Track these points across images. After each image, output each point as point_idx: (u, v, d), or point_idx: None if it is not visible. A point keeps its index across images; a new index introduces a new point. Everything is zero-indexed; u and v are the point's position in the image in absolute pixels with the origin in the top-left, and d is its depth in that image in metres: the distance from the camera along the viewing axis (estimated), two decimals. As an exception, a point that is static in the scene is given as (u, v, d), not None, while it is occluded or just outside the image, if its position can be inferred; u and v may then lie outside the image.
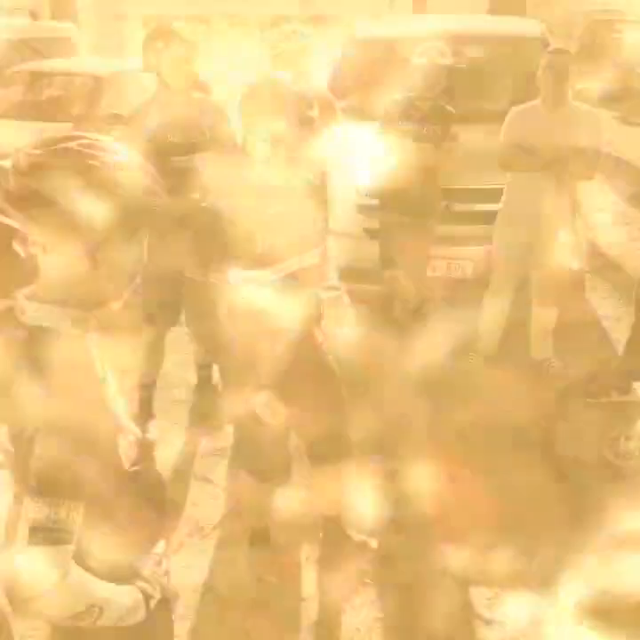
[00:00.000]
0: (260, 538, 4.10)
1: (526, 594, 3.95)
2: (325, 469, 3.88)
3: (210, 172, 4.75)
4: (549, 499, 4.64)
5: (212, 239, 3.16)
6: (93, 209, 1.78)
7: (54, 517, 1.73)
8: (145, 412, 5.34)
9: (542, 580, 4.01)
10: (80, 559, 1.82)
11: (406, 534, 4.33)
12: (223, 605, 3.86)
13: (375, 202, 6.25)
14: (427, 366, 6.06)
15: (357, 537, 4.19)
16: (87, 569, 1.83)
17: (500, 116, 5.89)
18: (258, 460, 3.68)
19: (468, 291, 6.42)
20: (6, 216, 1.80)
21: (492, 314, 6.08)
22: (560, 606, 3.83)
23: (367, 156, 5.97)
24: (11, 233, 1.85)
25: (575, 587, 3.94)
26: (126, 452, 2.07)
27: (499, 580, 4.04)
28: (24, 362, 1.82)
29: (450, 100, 6.04)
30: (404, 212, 5.70)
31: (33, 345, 1.83)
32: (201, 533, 4.36)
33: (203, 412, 5.56)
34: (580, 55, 19.59)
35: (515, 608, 3.86)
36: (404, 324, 6.44)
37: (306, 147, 3.13)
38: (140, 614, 1.94)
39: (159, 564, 2.14)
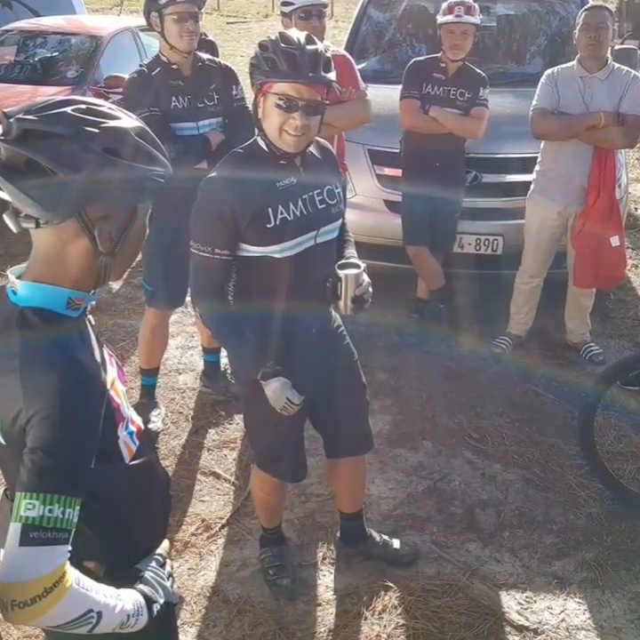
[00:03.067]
0: (273, 537, 4.10)
1: (561, 599, 3.94)
2: (344, 463, 3.87)
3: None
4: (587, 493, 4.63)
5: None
6: (91, 180, 1.77)
7: (49, 516, 1.72)
8: (147, 401, 5.36)
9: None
10: (77, 561, 1.81)
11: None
12: (232, 611, 3.86)
13: (397, 172, 6.22)
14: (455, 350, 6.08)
15: (377, 536, 4.18)
16: (85, 571, 1.83)
17: (533, 79, 5.84)
18: (270, 453, 3.67)
19: (498, 269, 6.38)
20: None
21: (524, 294, 6.04)
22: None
23: (388, 123, 5.92)
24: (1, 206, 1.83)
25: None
26: (127, 443, 2.06)
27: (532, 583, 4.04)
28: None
29: (479, 62, 6.00)
30: (428, 183, 5.67)
31: (27, 328, 1.82)
32: (208, 532, 4.36)
33: (210, 401, 5.56)
34: (619, 13, 19.45)
35: (549, 614, 3.84)
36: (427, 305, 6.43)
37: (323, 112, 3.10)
38: (142, 620, 1.93)
39: (162, 565, 2.14)
